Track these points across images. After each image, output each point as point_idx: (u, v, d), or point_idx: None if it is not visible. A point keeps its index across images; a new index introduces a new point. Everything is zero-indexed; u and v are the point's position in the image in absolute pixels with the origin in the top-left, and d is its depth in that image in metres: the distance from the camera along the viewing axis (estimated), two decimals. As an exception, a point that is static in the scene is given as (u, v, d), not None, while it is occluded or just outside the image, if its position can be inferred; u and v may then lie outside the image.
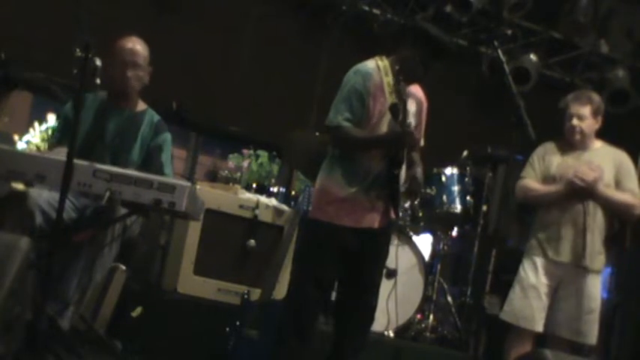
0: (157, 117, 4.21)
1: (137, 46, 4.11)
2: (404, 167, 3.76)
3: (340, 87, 3.84)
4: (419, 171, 3.88)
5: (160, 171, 4.02)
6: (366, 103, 3.76)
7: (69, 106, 4.18)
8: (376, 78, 3.76)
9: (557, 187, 4.62)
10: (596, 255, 4.61)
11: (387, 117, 3.67)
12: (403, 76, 3.66)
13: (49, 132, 5.68)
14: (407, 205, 5.48)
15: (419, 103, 3.93)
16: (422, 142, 4.03)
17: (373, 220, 3.81)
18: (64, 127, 4.15)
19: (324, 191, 3.85)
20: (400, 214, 5.29)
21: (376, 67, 3.77)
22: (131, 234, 3.96)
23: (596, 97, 4.73)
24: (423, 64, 3.78)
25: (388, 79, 3.72)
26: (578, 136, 4.66)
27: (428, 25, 4.01)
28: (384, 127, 3.77)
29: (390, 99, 3.64)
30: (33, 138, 6.44)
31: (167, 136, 4.20)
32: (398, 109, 3.55)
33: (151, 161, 4.09)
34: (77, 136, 3.33)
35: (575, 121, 4.64)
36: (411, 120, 3.82)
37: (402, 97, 3.57)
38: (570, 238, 4.58)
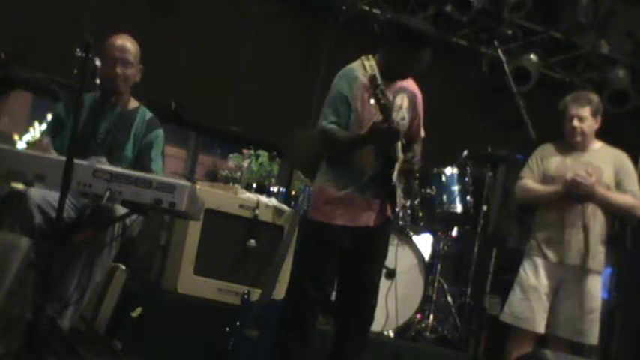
0: (149, 114, 4.21)
1: (127, 43, 4.09)
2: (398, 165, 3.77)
3: (328, 92, 3.85)
4: (417, 151, 3.90)
5: (147, 167, 4.01)
6: (353, 106, 3.75)
7: (60, 105, 4.19)
8: (362, 79, 3.72)
9: (555, 188, 4.61)
10: (597, 255, 4.61)
11: (378, 116, 3.66)
12: (390, 73, 3.65)
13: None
14: (407, 204, 5.48)
15: (412, 97, 3.92)
16: (422, 133, 4.04)
17: (369, 219, 3.80)
18: (55, 126, 4.15)
19: (320, 191, 3.85)
20: (400, 213, 5.34)
21: (362, 67, 3.72)
22: (131, 234, 3.96)
23: (594, 97, 4.71)
24: (408, 57, 3.77)
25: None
26: (579, 138, 4.65)
27: (407, 18, 4.01)
28: None
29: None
30: (33, 138, 6.43)
31: (159, 133, 4.19)
32: (387, 108, 3.55)
33: (141, 158, 4.09)
34: (75, 136, 3.33)
35: (575, 123, 4.63)
36: (405, 114, 3.83)
37: (385, 95, 3.56)
38: (570, 240, 4.57)
